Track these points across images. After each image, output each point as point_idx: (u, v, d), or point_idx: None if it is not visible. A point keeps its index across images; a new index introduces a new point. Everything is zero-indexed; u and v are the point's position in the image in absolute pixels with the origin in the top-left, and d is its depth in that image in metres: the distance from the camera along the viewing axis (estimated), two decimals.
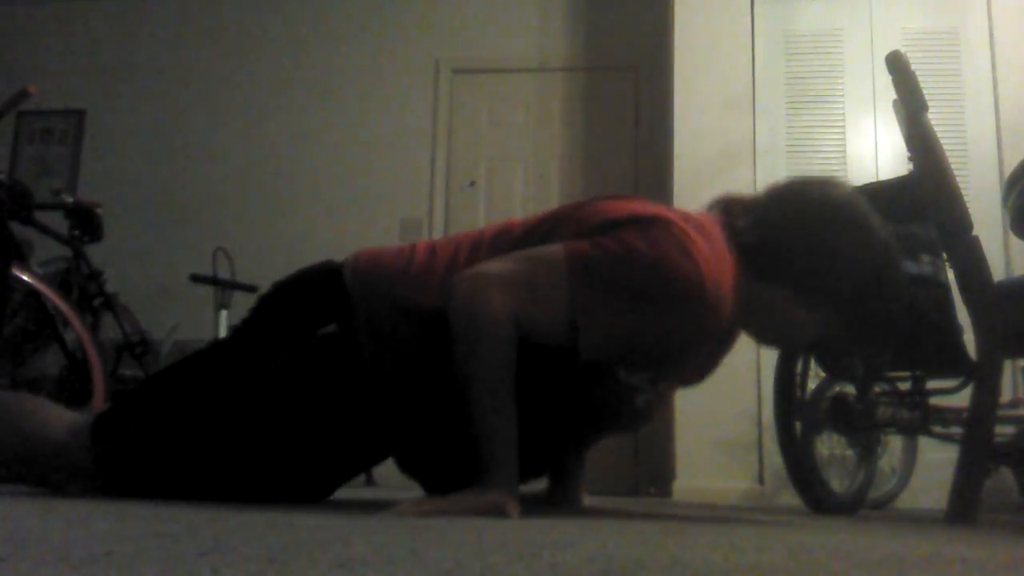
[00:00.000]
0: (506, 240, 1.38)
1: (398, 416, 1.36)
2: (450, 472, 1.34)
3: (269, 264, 4.55)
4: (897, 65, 2.04)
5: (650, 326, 1.28)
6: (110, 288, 3.52)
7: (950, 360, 2.07)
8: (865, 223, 1.34)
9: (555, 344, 1.26)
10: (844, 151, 3.94)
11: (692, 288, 1.24)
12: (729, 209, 1.39)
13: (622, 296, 1.25)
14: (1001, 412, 2.08)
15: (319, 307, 1.41)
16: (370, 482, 3.76)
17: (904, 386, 2.33)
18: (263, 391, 1.34)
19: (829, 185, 1.38)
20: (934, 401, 2.29)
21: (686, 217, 1.31)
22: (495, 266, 1.27)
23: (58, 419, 1.39)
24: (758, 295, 1.34)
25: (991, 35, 3.88)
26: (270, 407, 1.34)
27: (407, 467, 1.47)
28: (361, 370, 1.34)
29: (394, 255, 1.42)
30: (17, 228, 2.83)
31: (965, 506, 1.89)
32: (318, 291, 1.43)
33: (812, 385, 2.40)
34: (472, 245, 1.39)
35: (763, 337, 1.45)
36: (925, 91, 2.05)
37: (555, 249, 1.28)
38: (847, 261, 1.32)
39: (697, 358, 1.47)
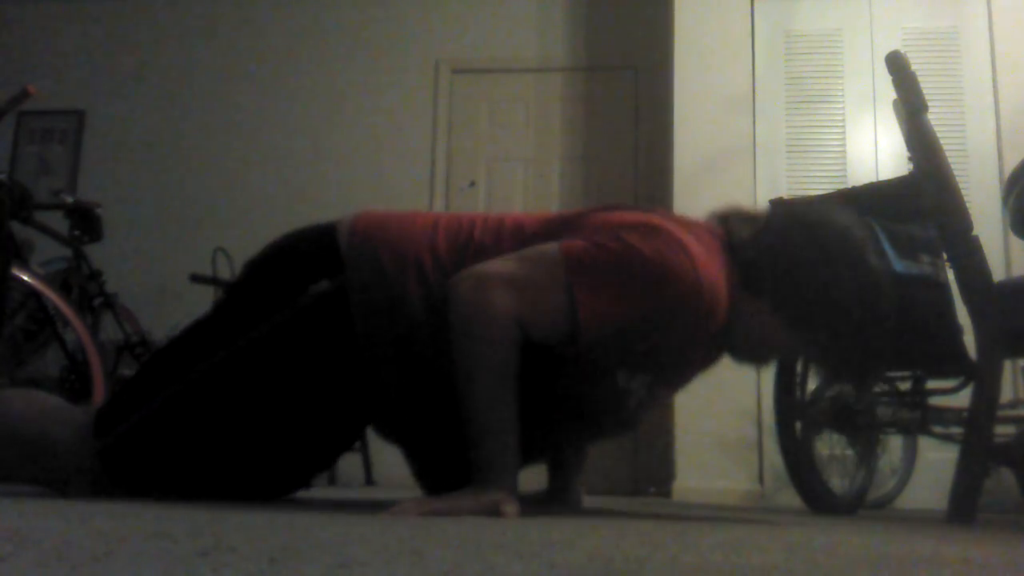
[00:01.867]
0: (518, 239, 1.37)
1: (385, 385, 1.35)
2: (437, 447, 1.35)
3: None
4: (897, 65, 2.04)
5: (648, 321, 1.29)
6: (110, 288, 3.52)
7: (950, 360, 2.07)
8: (861, 256, 1.35)
9: (555, 342, 1.26)
10: (844, 151, 3.94)
11: (689, 287, 1.26)
12: (730, 220, 1.42)
13: (620, 288, 1.26)
14: (1001, 412, 2.08)
15: (311, 270, 1.38)
16: (370, 482, 3.76)
17: (904, 386, 2.33)
18: (252, 360, 1.34)
19: (832, 211, 1.39)
20: (934, 401, 2.29)
21: (683, 224, 1.32)
22: (496, 267, 1.28)
23: (63, 418, 1.39)
24: (744, 308, 1.36)
25: (991, 35, 3.88)
26: (259, 376, 1.34)
27: (387, 434, 1.46)
28: (351, 336, 1.33)
29: (395, 224, 1.40)
30: (17, 228, 2.82)
31: (965, 506, 1.89)
32: (310, 257, 1.40)
33: (812, 385, 2.40)
34: (486, 234, 1.37)
35: (738, 352, 1.46)
36: (925, 91, 2.05)
37: (551, 247, 1.29)
38: (836, 290, 1.33)
39: (692, 365, 1.47)
